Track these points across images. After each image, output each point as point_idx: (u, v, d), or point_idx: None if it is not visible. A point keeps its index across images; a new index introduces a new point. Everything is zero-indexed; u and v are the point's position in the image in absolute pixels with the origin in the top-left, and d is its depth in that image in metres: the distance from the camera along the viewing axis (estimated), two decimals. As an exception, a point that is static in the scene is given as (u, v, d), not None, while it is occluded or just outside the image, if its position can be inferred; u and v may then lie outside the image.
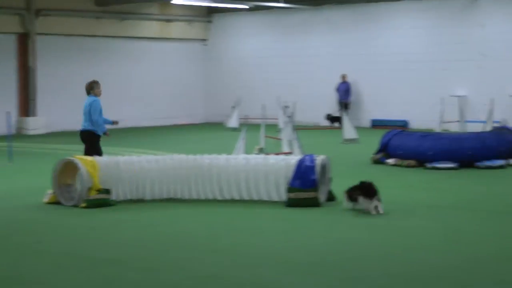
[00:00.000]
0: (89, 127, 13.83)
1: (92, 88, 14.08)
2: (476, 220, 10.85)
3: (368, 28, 29.27)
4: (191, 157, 12.64)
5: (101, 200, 11.94)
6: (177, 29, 32.66)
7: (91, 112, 13.75)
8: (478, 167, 16.24)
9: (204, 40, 33.83)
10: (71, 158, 12.30)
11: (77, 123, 14.63)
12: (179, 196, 12.49)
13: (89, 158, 12.27)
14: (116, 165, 12.32)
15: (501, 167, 16.23)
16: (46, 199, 12.32)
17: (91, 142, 13.86)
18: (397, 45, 28.47)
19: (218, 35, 33.62)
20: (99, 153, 13.59)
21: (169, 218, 11.19)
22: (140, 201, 12.42)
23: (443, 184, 14.37)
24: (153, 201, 12.44)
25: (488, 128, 20.20)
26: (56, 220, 11.15)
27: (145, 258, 8.69)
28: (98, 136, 13.90)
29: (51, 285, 7.71)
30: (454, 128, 24.12)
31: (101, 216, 11.31)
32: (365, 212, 11.15)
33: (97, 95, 14.09)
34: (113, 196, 12.20)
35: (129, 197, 12.40)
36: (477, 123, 23.81)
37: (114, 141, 23.72)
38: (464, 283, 7.52)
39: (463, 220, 10.81)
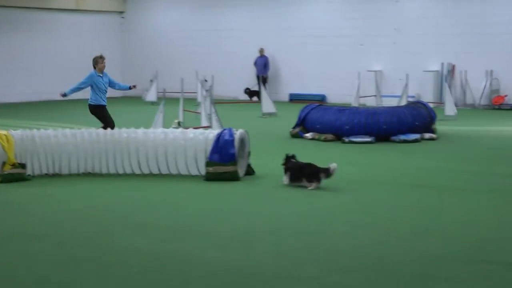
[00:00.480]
0: (94, 101, 14.92)
1: (96, 62, 14.95)
2: (389, 193, 11.01)
3: (286, 2, 29.37)
4: (108, 131, 12.49)
5: (16, 175, 11.72)
6: (93, 1, 32.14)
7: (80, 81, 14.98)
8: (394, 141, 16.50)
9: (121, 12, 33.40)
10: (-15, 132, 12.00)
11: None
12: (96, 170, 12.35)
13: (3, 132, 12.00)
14: (32, 139, 12.09)
15: (415, 141, 16.51)
16: (-42, 174, 12.03)
17: (101, 114, 14.80)
18: (314, 19, 28.65)
19: (135, 8, 33.25)
20: (110, 122, 14.63)
21: (86, 193, 11.05)
22: (56, 175, 12.24)
23: (360, 158, 14.55)
24: (70, 175, 12.28)
25: (403, 102, 20.52)
26: (-31, 196, 10.90)
27: (61, 233, 8.57)
28: (103, 107, 14.88)
29: (-35, 261, 7.54)
30: (371, 102, 24.45)
31: (16, 191, 11.11)
32: (283, 186, 11.23)
33: (101, 69, 14.90)
34: (29, 171, 12.00)
35: (45, 171, 12.21)
36: (393, 98, 24.20)
37: (30, 115, 23.34)
38: (380, 256, 7.64)
39: (377, 194, 10.96)
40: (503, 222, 9.10)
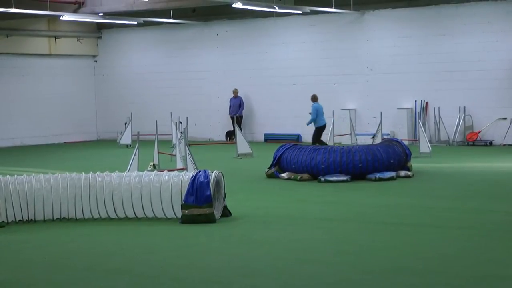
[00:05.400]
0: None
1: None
2: (367, 232, 10.99)
3: (258, 43, 29.50)
4: (83, 175, 12.39)
5: (-11, 222, 11.57)
6: (66, 45, 32.13)
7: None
8: (370, 179, 16.51)
9: (94, 56, 33.41)
10: (-43, 179, 11.87)
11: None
12: (71, 216, 12.23)
13: (-24, 178, 11.87)
14: (5, 185, 11.97)
15: (391, 178, 16.53)
16: None
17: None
18: (287, 59, 28.80)
19: (108, 51, 33.27)
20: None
21: (61, 238, 10.94)
22: (31, 221, 12.11)
23: (335, 197, 14.55)
24: (45, 221, 12.14)
25: (378, 140, 20.58)
26: None
27: (34, 281, 8.44)
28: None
29: None
30: (346, 141, 24.52)
31: (-10, 238, 10.97)
32: (260, 228, 11.17)
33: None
34: (2, 217, 11.85)
35: (19, 218, 12.06)
36: (367, 136, 24.31)
37: (4, 161, 23.16)
38: (358, 295, 7.59)
39: (354, 232, 10.94)
40: (480, 259, 9.08)
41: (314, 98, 23.57)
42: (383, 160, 16.75)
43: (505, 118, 25.02)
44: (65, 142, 31.49)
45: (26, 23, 30.06)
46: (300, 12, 26.63)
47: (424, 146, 21.41)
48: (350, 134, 24.34)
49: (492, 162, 20.09)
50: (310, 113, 23.41)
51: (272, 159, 17.68)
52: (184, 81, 31.19)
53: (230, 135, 29.12)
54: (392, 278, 8.20)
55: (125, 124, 28.18)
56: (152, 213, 12.09)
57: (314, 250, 9.78)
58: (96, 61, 33.56)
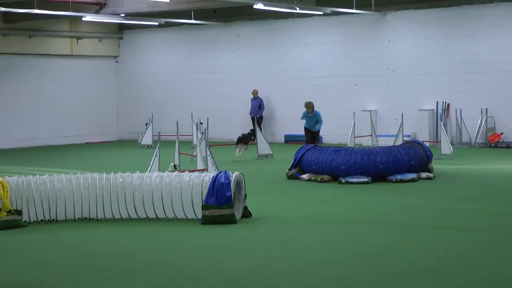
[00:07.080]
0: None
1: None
2: (387, 233, 10.97)
3: (279, 44, 29.50)
4: (104, 176, 12.44)
5: (12, 222, 11.64)
6: (88, 46, 32.28)
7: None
8: (391, 181, 16.47)
9: (115, 56, 33.53)
10: (-20, 179, 11.95)
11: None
12: (92, 216, 12.28)
13: (-2, 178, 11.94)
14: (28, 185, 12.05)
15: (412, 180, 16.47)
16: (-47, 222, 11.94)
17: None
18: (307, 60, 28.78)
19: (129, 52, 33.39)
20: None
21: (82, 239, 10.98)
22: (52, 221, 12.17)
23: (356, 198, 14.51)
24: (66, 221, 12.21)
25: (399, 142, 20.53)
26: (-36, 243, 10.82)
27: (55, 281, 8.49)
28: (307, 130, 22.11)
29: (-41, 311, 7.45)
30: (366, 142, 24.46)
31: (12, 238, 11.03)
32: (280, 229, 11.17)
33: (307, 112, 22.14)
34: (25, 217, 11.93)
35: (41, 218, 12.13)
36: (388, 137, 24.23)
37: (26, 161, 23.29)
38: (379, 297, 7.57)
39: (375, 234, 10.92)
40: (501, 262, 9.03)
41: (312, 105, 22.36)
42: (404, 162, 16.70)
43: (528, 120, 24.92)
44: (86, 143, 31.64)
45: (48, 24, 30.25)
46: (321, 13, 26.62)
47: (446, 147, 21.32)
48: (371, 135, 24.26)
49: (514, 164, 19.99)
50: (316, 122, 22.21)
51: (292, 160, 17.67)
52: (205, 81, 31.24)
53: (251, 136, 29.11)
54: (412, 280, 8.18)
55: (146, 124, 28.28)
56: (173, 214, 12.12)
57: (334, 251, 9.77)
58: (117, 61, 33.69)
